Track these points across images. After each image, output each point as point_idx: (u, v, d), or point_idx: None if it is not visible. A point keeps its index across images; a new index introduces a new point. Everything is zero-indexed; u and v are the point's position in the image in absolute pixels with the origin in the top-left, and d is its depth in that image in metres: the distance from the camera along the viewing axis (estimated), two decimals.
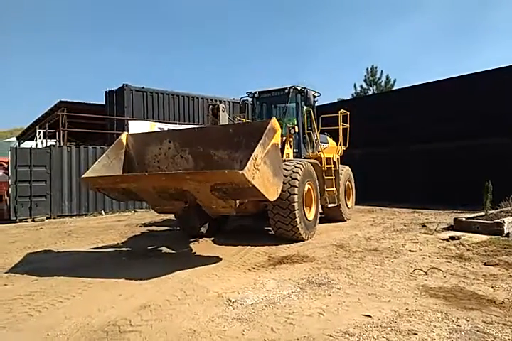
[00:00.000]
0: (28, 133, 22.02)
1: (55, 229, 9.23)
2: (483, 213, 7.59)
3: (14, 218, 10.56)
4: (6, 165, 12.84)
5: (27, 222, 10.68)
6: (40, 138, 17.55)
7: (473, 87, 10.97)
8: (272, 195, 4.77)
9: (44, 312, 3.59)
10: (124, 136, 6.09)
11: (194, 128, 6.89)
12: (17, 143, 22.47)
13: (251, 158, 4.29)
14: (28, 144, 19.85)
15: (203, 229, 7.18)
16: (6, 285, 4.51)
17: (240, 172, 4.02)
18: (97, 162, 5.62)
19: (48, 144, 13.88)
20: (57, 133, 15.48)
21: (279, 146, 5.18)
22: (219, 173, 4.34)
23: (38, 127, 17.80)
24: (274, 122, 5.03)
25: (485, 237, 6.24)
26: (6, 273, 5.03)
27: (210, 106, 6.60)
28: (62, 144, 12.94)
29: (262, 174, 4.48)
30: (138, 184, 5.03)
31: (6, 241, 7.54)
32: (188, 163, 5.98)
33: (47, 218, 11.13)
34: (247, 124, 5.94)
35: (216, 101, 15.29)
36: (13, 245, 7.10)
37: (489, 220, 6.85)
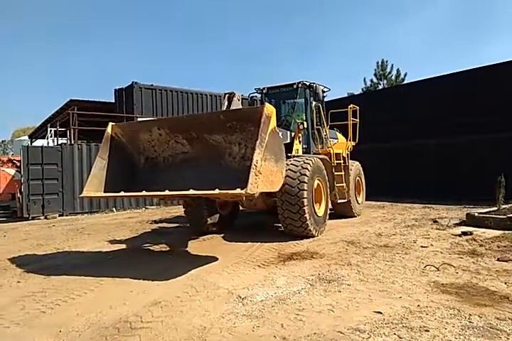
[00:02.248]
0: (39, 132, 22.29)
1: (67, 226, 9.34)
2: (495, 208, 7.48)
3: (27, 216, 10.71)
4: (18, 164, 13.04)
5: (39, 219, 10.83)
6: (51, 136, 17.79)
7: (484, 81, 10.77)
8: (277, 184, 4.78)
9: (56, 308, 3.64)
10: (109, 128, 5.78)
11: (183, 115, 6.77)
12: (29, 142, 22.76)
13: (252, 168, 4.19)
14: (39, 143, 20.10)
15: (213, 226, 7.20)
16: (19, 282, 4.57)
17: (244, 191, 4.02)
18: (93, 168, 5.48)
19: (59, 142, 14.04)
20: (68, 131, 15.64)
21: (276, 129, 4.98)
22: (223, 193, 4.31)
23: (49, 126, 18.03)
24: (267, 109, 4.72)
25: (498, 232, 6.14)
26: (19, 270, 5.10)
27: (227, 95, 6.60)
28: (73, 142, 13.07)
29: (265, 172, 4.42)
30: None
31: (19, 239, 7.65)
32: (184, 146, 5.79)
33: (59, 215, 11.26)
34: (238, 111, 5.72)
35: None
36: (25, 242, 7.20)
37: (502, 215, 6.75)
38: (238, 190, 4.11)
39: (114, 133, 5.79)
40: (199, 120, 5.70)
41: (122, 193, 5.18)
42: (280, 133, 6.55)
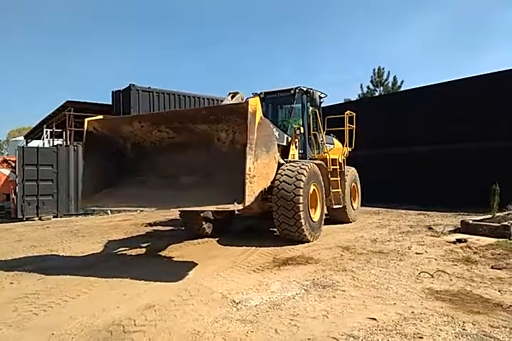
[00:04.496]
0: (35, 133, 22.21)
1: (61, 227, 9.29)
2: (490, 216, 7.51)
3: (21, 217, 10.65)
4: (13, 164, 12.97)
5: (34, 220, 10.77)
6: (47, 137, 17.73)
7: (483, 89, 10.85)
8: (271, 174, 4.87)
9: (49, 311, 3.61)
10: (86, 123, 5.40)
11: (163, 111, 6.62)
12: (24, 142, 22.66)
13: (245, 178, 4.12)
14: (35, 143, 20.02)
15: (208, 230, 7.19)
16: (12, 283, 4.54)
17: (242, 205, 3.99)
18: (82, 171, 5.41)
19: (55, 143, 13.99)
20: (64, 132, 15.62)
21: (263, 120, 4.84)
22: (220, 208, 4.26)
23: (45, 126, 17.97)
24: (251, 105, 4.48)
25: (492, 240, 6.17)
26: (12, 271, 5.06)
27: (231, 94, 6.61)
28: (68, 143, 13.04)
29: (259, 170, 4.37)
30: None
31: (13, 240, 7.60)
32: (169, 134, 5.48)
33: (53, 217, 11.22)
34: (220, 107, 5.55)
35: (221, 101, 15.38)
36: (19, 243, 7.16)
37: (496, 223, 6.78)
38: (235, 204, 4.06)
39: (92, 128, 5.42)
40: (181, 114, 5.46)
41: (119, 205, 5.26)
42: (277, 133, 6.55)
